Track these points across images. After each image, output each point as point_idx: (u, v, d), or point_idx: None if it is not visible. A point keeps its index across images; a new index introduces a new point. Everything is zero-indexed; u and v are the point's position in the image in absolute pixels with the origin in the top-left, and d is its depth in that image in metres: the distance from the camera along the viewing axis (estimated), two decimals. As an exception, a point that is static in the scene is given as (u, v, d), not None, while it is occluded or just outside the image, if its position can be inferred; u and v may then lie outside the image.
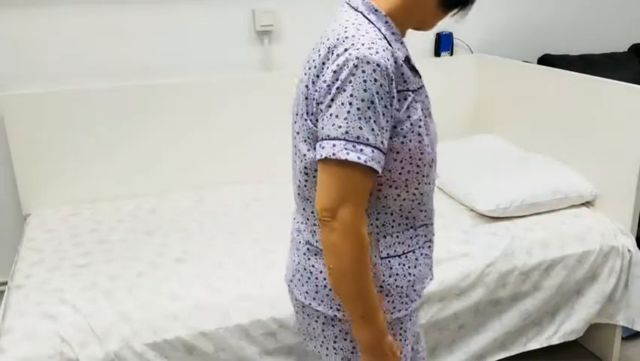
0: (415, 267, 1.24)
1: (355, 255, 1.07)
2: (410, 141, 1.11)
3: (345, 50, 1.05)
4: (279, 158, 2.63)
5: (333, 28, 1.11)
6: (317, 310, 1.24)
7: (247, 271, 1.87)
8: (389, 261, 1.20)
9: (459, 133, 2.90)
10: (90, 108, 2.39)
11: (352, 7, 1.14)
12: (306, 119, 1.13)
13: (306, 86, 1.13)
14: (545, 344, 2.12)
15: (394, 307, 1.22)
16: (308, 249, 1.23)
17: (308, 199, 1.20)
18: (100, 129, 2.42)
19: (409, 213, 1.20)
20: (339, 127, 1.03)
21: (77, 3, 2.37)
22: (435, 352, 1.97)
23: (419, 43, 2.89)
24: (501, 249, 2.01)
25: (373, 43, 1.05)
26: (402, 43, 1.14)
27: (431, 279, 1.32)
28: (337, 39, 1.08)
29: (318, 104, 1.09)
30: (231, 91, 2.55)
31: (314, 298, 1.23)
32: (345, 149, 1.03)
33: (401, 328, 1.26)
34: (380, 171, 1.06)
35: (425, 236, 1.26)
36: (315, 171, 1.14)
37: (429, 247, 1.28)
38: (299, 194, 1.23)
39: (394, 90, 1.07)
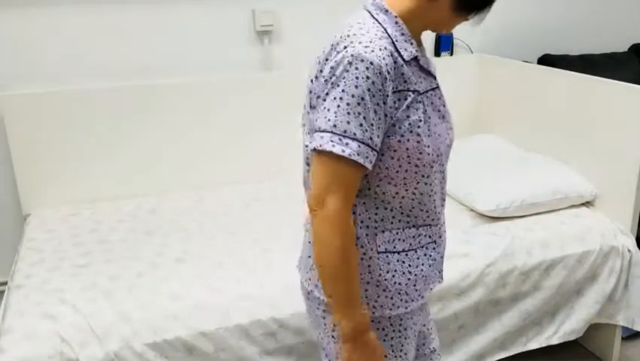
0: (416, 266, 1.24)
1: (338, 243, 1.10)
2: (408, 140, 1.13)
3: (345, 47, 1.09)
4: (279, 158, 2.63)
5: (342, 26, 1.15)
6: (318, 298, 1.26)
7: (247, 271, 1.87)
8: (387, 256, 1.21)
9: (459, 133, 2.90)
10: (90, 108, 2.39)
11: (365, 8, 1.18)
12: (308, 112, 1.18)
13: (311, 81, 1.18)
14: (545, 344, 2.12)
15: (392, 304, 1.23)
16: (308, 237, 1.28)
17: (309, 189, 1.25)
18: (100, 129, 2.42)
19: (410, 211, 1.21)
20: (329, 120, 1.07)
21: (77, 3, 2.37)
22: (435, 352, 1.97)
23: (418, 43, 2.89)
24: (501, 249, 2.01)
25: (370, 42, 1.08)
26: (412, 43, 1.15)
27: (439, 282, 1.32)
28: (341, 37, 1.12)
29: (317, 97, 1.14)
30: (231, 91, 2.55)
31: (316, 286, 1.26)
32: (332, 141, 1.07)
33: (401, 325, 1.26)
34: (369, 166, 1.09)
35: (429, 237, 1.26)
36: None
37: (434, 248, 1.28)
38: (304, 183, 1.28)
39: (389, 89, 1.09)
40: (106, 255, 1.98)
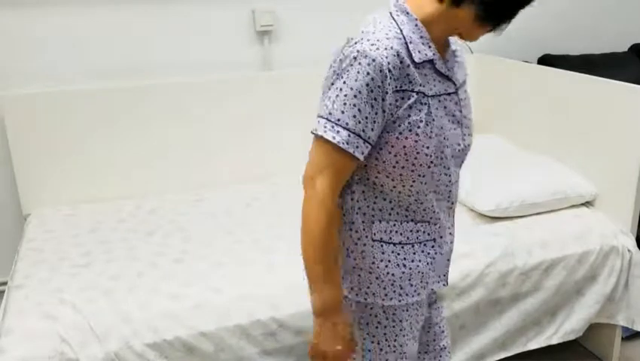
0: (412, 261, 1.27)
1: (321, 222, 1.15)
2: (406, 138, 1.16)
3: (355, 43, 1.14)
4: (279, 158, 2.63)
5: (363, 22, 1.21)
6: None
7: (247, 271, 1.87)
8: (382, 245, 1.25)
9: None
10: (90, 108, 2.39)
11: (388, 8, 1.21)
12: (322, 99, 1.23)
13: (328, 70, 1.23)
14: (545, 344, 2.12)
15: (385, 294, 1.27)
16: None
17: None
18: (100, 129, 2.42)
19: (408, 206, 1.24)
20: (327, 107, 1.15)
21: (77, 3, 2.37)
22: (435, 352, 1.97)
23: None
24: (501, 249, 2.02)
25: (378, 40, 1.12)
26: (430, 47, 1.17)
27: (443, 285, 1.34)
28: (357, 34, 1.18)
29: (326, 86, 1.21)
30: (231, 91, 2.55)
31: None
32: (325, 127, 1.13)
33: (394, 315, 1.29)
34: (359, 156, 1.14)
35: (428, 234, 1.28)
36: None
37: (432, 246, 1.29)
38: None
39: (390, 87, 1.12)
40: (106, 255, 1.98)
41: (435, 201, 1.26)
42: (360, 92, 1.11)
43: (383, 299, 1.27)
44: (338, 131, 1.12)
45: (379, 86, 1.11)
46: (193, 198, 2.46)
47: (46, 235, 2.14)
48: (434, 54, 1.18)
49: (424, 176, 1.20)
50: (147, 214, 2.31)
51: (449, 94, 1.22)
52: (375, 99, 1.12)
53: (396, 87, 1.13)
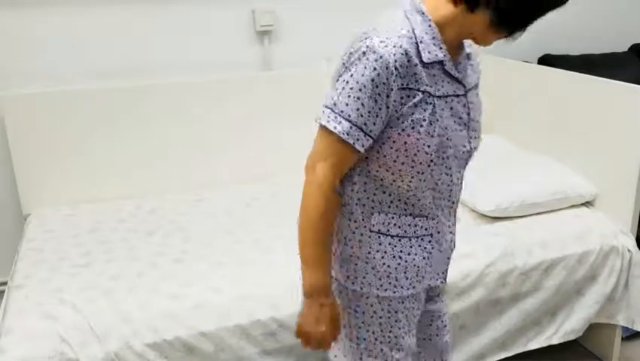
0: (408, 254, 1.29)
1: (320, 207, 1.19)
2: (408, 135, 1.17)
3: (365, 38, 1.16)
4: (279, 158, 2.63)
5: (377, 18, 1.22)
6: (332, 276, 1.32)
7: (247, 271, 1.87)
8: (379, 237, 1.27)
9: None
10: (90, 108, 2.39)
11: (403, 7, 1.22)
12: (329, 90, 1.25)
13: (339, 63, 1.25)
14: (545, 344, 2.12)
15: (380, 285, 1.29)
16: None
17: None
18: (100, 129, 2.42)
19: (406, 200, 1.26)
20: (332, 98, 1.18)
21: (77, 3, 2.37)
22: (435, 352, 1.97)
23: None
24: (501, 249, 2.02)
25: (388, 38, 1.14)
26: (442, 48, 1.18)
27: (441, 282, 1.36)
28: (370, 29, 1.18)
29: (335, 77, 1.23)
30: (231, 90, 2.55)
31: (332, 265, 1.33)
32: (328, 117, 1.17)
33: (390, 307, 1.31)
34: (359, 148, 1.17)
35: (425, 229, 1.30)
36: None
37: (429, 241, 1.31)
38: None
39: (395, 84, 1.14)
40: (106, 255, 1.98)
41: (434, 200, 1.27)
42: (365, 86, 1.13)
43: (378, 289, 1.30)
44: (340, 122, 1.15)
45: (384, 83, 1.13)
46: (193, 198, 2.46)
47: (46, 235, 2.14)
48: (444, 55, 1.19)
49: (423, 173, 1.22)
50: (147, 214, 2.31)
51: (457, 96, 1.23)
52: (379, 95, 1.14)
53: (402, 85, 1.14)
